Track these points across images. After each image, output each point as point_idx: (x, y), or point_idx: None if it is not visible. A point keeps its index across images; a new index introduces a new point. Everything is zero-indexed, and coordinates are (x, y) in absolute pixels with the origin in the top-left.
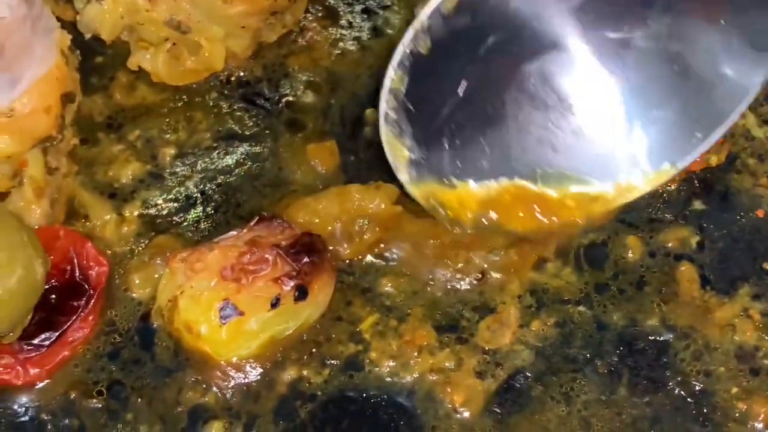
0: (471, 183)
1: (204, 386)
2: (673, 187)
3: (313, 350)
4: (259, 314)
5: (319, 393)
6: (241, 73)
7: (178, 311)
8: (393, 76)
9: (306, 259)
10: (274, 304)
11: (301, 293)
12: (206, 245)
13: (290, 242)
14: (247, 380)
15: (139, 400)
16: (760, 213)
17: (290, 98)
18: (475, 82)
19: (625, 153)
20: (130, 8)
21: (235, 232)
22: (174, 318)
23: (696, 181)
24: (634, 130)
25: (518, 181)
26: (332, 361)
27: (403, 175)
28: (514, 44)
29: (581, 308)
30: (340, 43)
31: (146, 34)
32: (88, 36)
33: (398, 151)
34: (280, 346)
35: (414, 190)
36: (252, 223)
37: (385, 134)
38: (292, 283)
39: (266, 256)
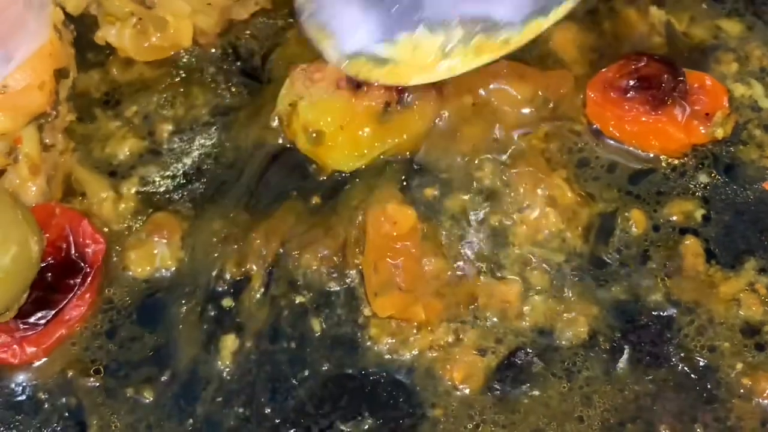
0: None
1: None
2: (678, 160)
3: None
4: (371, 122)
5: (318, 369)
6: (238, 45)
7: (297, 114)
8: None
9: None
10: (385, 109)
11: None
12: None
13: None
14: None
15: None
16: (767, 185)
17: None
18: None
19: None
20: None
21: None
22: (293, 120)
23: (702, 153)
24: None
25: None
26: (331, 337)
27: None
28: None
29: (584, 282)
30: None
31: (112, 9)
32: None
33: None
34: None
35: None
36: None
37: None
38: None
39: None
